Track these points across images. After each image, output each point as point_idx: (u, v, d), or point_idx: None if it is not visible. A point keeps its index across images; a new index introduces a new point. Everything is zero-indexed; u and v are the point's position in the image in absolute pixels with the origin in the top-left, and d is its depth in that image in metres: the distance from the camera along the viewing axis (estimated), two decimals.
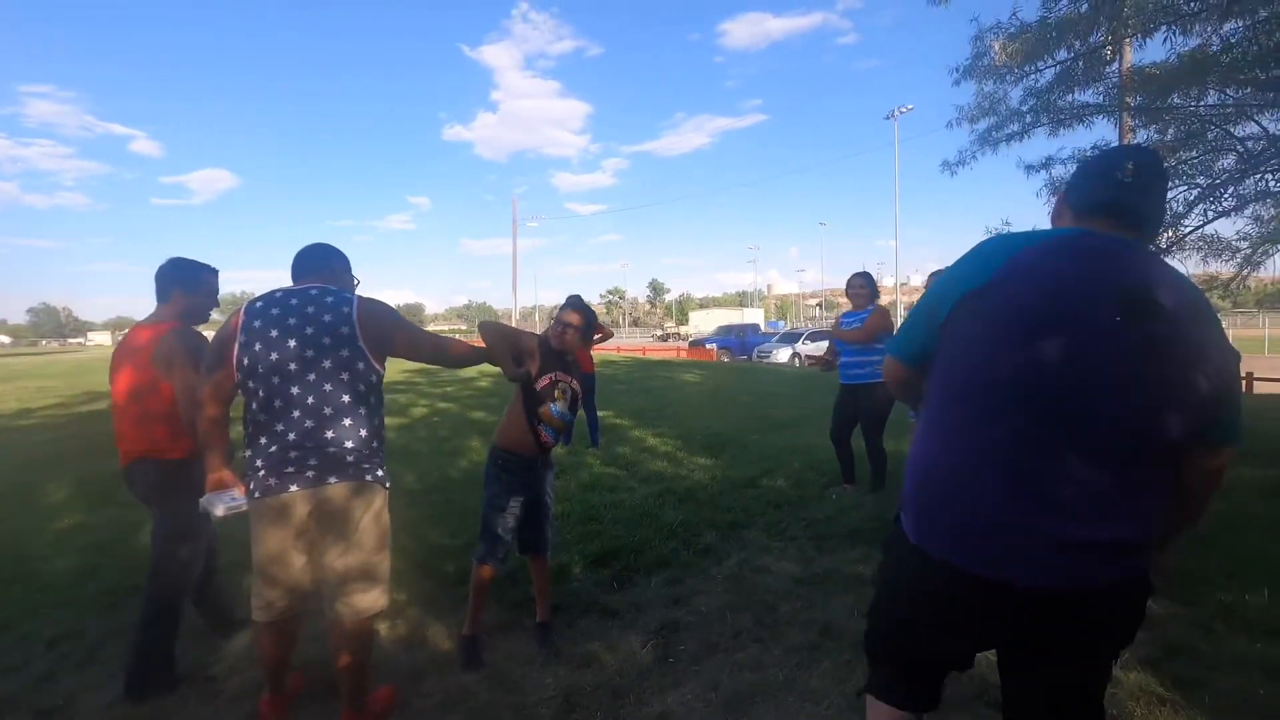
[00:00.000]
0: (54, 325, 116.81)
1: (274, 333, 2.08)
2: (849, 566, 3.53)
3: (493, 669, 2.68)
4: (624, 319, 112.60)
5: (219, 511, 2.18)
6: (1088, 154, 1.72)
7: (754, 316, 53.08)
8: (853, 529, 4.03)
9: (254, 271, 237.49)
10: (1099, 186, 1.32)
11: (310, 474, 2.05)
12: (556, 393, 2.74)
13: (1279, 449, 5.93)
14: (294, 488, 2.05)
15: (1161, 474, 1.23)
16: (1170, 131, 4.51)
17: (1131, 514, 1.21)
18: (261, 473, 2.05)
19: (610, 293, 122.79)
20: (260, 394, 2.06)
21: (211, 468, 2.25)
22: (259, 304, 2.16)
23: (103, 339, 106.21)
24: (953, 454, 1.27)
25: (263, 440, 2.07)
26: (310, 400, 2.07)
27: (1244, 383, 13.14)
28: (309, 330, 2.09)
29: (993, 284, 1.22)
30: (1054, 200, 1.54)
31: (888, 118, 37.36)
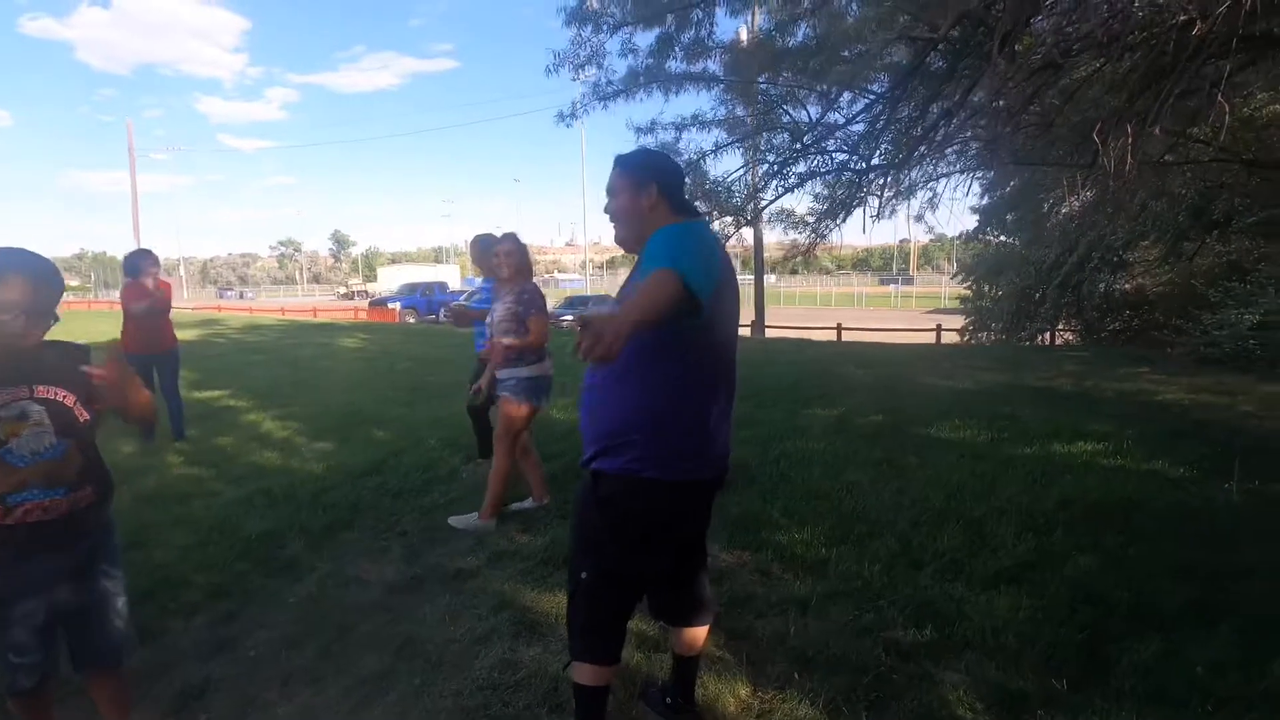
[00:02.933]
0: None
1: None
2: (458, 559, 3.21)
3: None
4: (301, 274, 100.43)
5: None
6: (668, 156, 1.76)
7: (448, 273, 50.97)
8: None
9: None
10: (682, 190, 1.82)
11: None
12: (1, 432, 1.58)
13: (847, 391, 7.28)
14: None
15: None
16: (754, 109, 5.06)
17: None
18: None
19: (282, 244, 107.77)
20: None
21: None
22: None
23: None
24: (695, 403, 1.66)
25: None
26: None
27: (835, 331, 16.41)
28: None
29: (720, 279, 1.59)
30: (643, 195, 1.72)
31: (574, 79, 38.06)
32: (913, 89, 3.28)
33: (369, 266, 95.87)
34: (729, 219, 4.97)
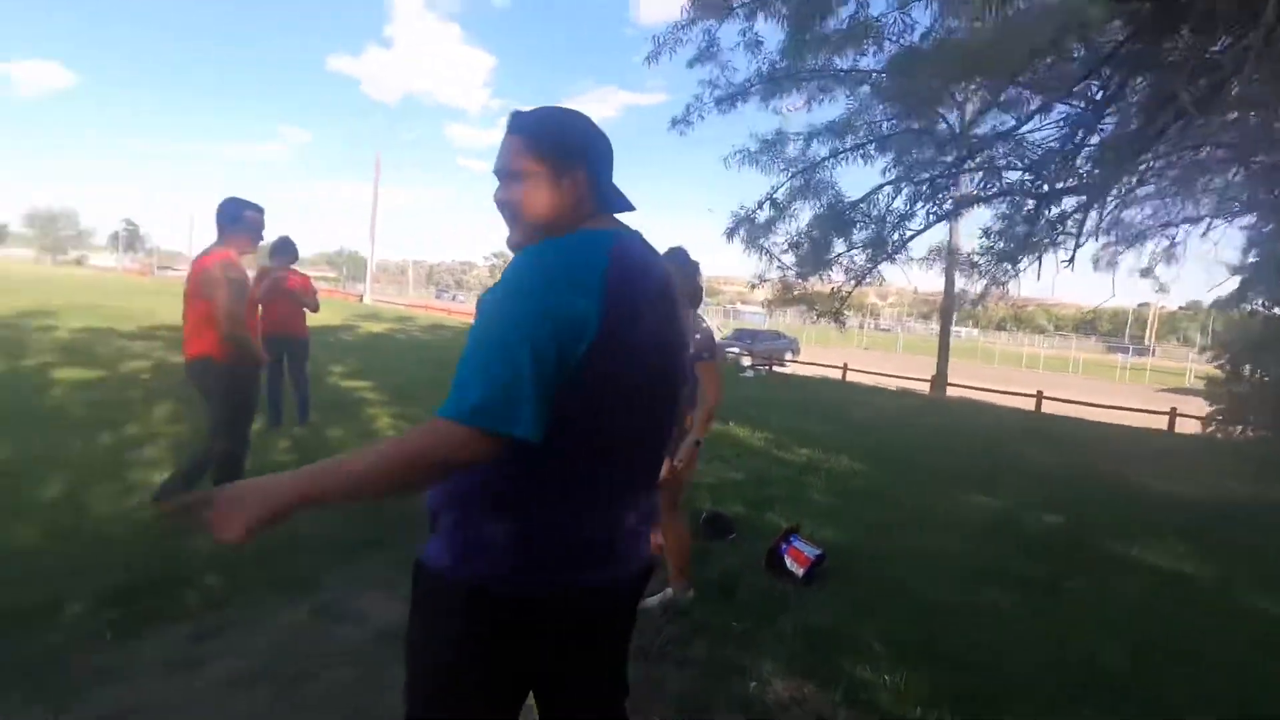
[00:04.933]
0: None
1: None
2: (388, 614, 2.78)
3: None
4: None
5: None
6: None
7: None
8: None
9: (88, 185, 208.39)
10: (611, 175, 1.20)
11: None
12: None
13: (1022, 477, 5.94)
14: None
15: None
16: (921, 118, 4.10)
17: None
18: None
19: (495, 255, 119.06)
20: None
21: None
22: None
23: None
24: (568, 485, 1.06)
25: None
26: None
27: (1034, 400, 14.07)
28: None
29: (610, 321, 0.99)
30: (563, 181, 1.12)
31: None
32: (1131, 86, 2.33)
33: None
34: (864, 253, 4.06)
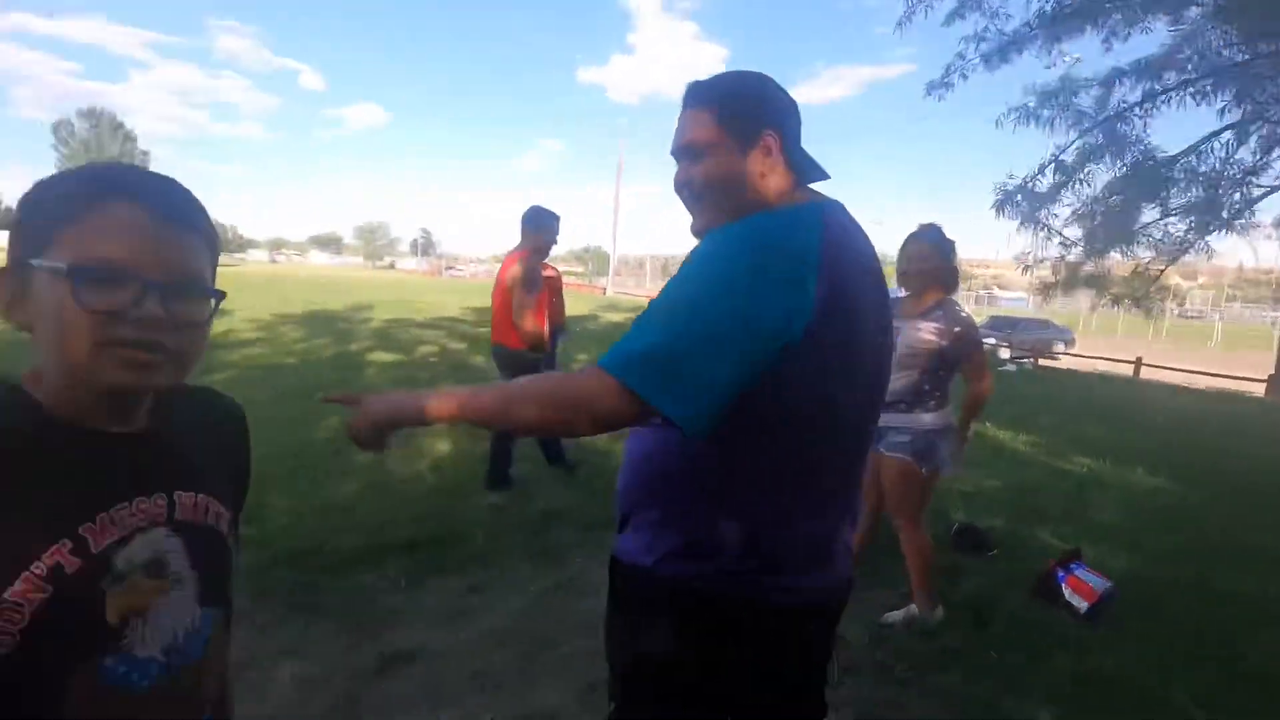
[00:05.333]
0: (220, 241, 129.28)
1: None
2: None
3: None
4: None
5: None
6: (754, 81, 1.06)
7: None
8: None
9: (396, 200, 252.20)
10: (803, 151, 1.06)
11: None
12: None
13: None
14: None
15: None
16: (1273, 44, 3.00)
17: None
18: None
19: None
20: None
21: None
22: None
23: (261, 256, 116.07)
24: (795, 507, 0.99)
25: None
26: None
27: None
28: None
29: (825, 308, 0.88)
30: (754, 150, 1.00)
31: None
32: None
33: None
34: (1184, 221, 3.15)
